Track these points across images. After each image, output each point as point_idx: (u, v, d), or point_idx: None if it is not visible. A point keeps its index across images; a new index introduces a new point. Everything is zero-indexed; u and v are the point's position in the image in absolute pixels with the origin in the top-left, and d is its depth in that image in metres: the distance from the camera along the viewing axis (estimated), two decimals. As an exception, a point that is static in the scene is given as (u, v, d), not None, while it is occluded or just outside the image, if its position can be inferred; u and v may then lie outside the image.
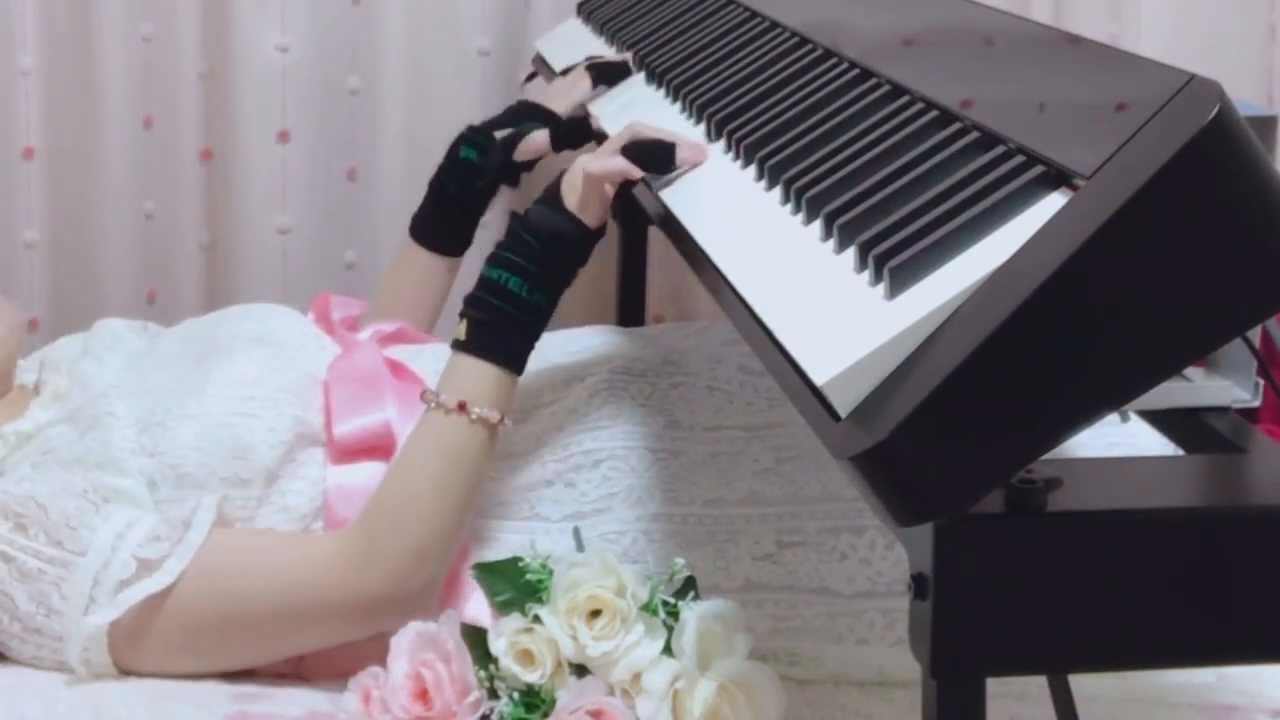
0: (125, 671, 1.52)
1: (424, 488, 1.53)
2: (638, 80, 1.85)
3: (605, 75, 1.89)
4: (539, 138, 1.87)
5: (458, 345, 1.56)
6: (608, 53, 2.01)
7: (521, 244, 1.55)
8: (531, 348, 1.57)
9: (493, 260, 1.56)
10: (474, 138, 1.91)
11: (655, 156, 1.51)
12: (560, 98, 1.93)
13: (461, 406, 1.54)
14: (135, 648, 1.51)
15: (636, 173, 1.51)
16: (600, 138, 1.79)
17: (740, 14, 1.79)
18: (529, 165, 1.93)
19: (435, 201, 1.94)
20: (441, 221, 1.95)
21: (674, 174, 1.50)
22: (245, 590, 1.52)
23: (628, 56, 1.87)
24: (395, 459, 1.57)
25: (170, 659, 1.53)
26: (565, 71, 1.97)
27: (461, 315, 1.57)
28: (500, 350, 1.55)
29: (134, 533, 1.51)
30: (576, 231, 1.55)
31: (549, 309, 1.56)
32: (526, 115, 1.92)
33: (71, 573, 1.50)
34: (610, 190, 1.54)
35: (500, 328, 1.55)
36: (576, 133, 1.88)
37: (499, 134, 1.90)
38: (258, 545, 1.56)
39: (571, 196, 1.55)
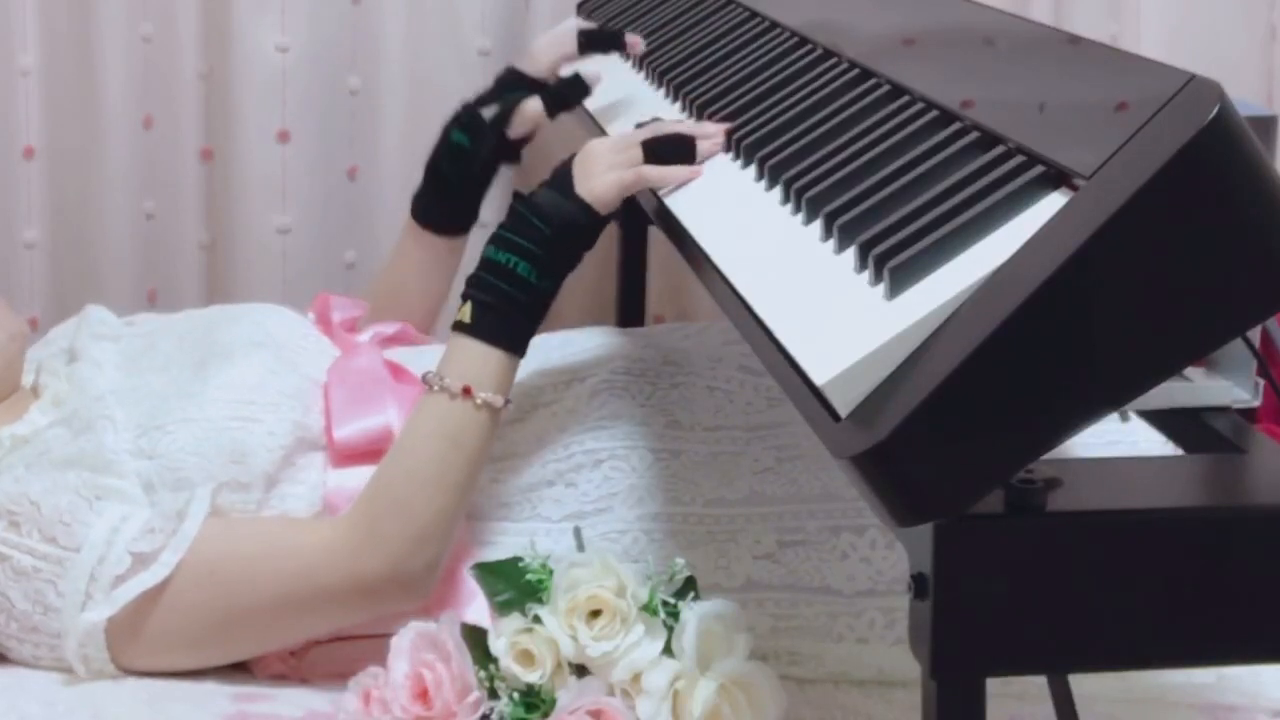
0: (124, 668, 1.52)
1: (426, 470, 1.53)
2: (636, 78, 1.85)
3: (595, 43, 1.85)
4: (532, 107, 1.83)
5: (461, 327, 1.54)
6: (608, 53, 2.00)
7: (531, 229, 1.53)
8: (534, 332, 1.56)
9: (499, 243, 1.54)
10: (465, 119, 1.87)
11: (676, 151, 1.51)
12: (544, 60, 1.89)
13: (466, 391, 1.53)
14: (134, 643, 1.51)
15: (669, 183, 1.49)
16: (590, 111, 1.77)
17: (740, 14, 1.79)
18: (527, 139, 1.89)
19: (432, 184, 1.92)
20: (441, 203, 1.92)
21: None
22: (243, 578, 1.51)
23: (639, 42, 1.83)
24: (396, 441, 1.56)
25: (170, 653, 1.52)
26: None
27: (464, 296, 1.55)
28: (506, 335, 1.54)
29: (128, 527, 1.51)
30: (588, 219, 1.53)
31: (554, 294, 1.56)
32: (513, 86, 1.88)
33: (67, 569, 1.50)
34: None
35: (507, 312, 1.53)
36: (569, 93, 1.84)
37: (488, 112, 1.86)
38: (254, 533, 1.55)
39: (586, 184, 1.53)
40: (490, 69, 2.35)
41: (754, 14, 1.76)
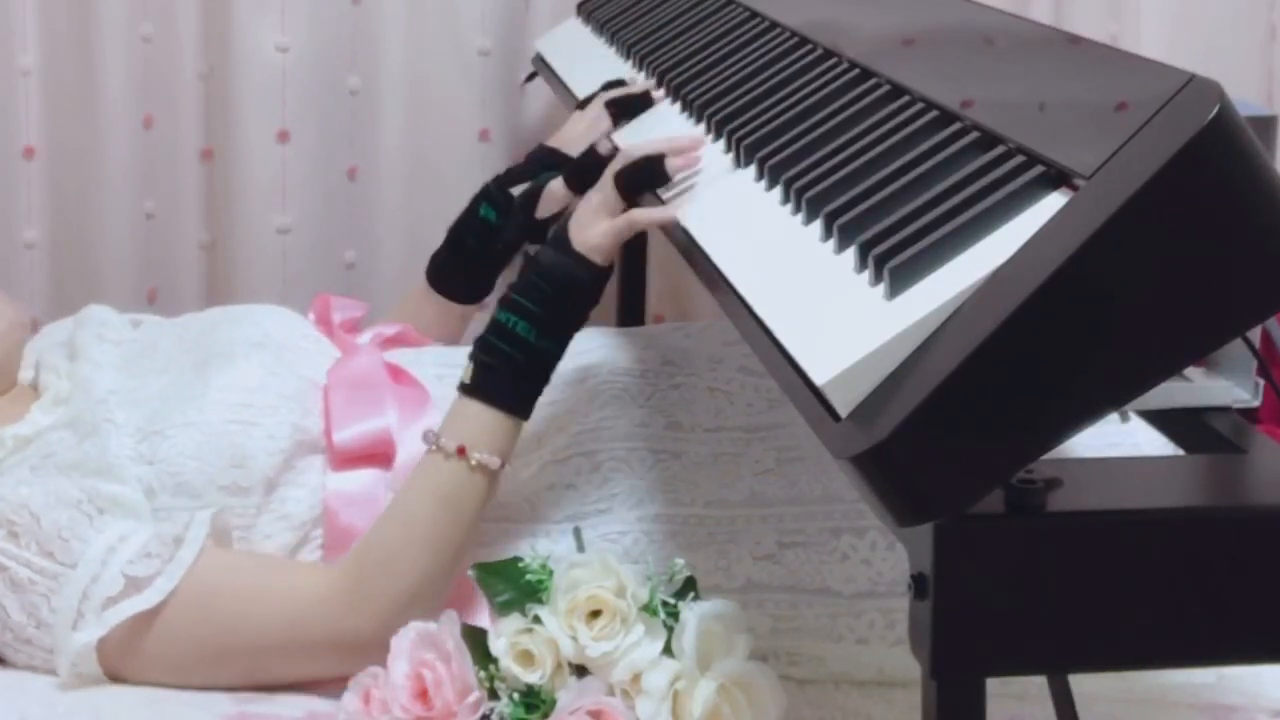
0: (118, 681, 1.51)
1: (418, 532, 1.51)
2: (637, 80, 1.85)
3: (626, 110, 1.80)
4: (556, 189, 1.79)
5: (463, 388, 1.54)
6: (609, 53, 2.00)
7: (533, 288, 1.52)
8: (539, 393, 1.55)
9: (503, 303, 1.53)
10: (495, 195, 1.86)
11: (648, 176, 1.50)
12: (581, 139, 1.84)
13: (461, 451, 1.52)
14: (125, 662, 1.50)
15: (674, 218, 1.46)
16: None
17: (740, 14, 1.79)
18: (555, 219, 1.85)
19: (453, 253, 1.90)
20: (458, 272, 1.91)
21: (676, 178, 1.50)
22: (232, 616, 1.51)
23: (649, 85, 1.81)
24: (393, 498, 1.55)
25: (161, 674, 1.51)
26: (583, 104, 1.90)
27: (470, 357, 1.55)
28: (505, 396, 1.53)
29: (126, 547, 1.50)
30: (588, 275, 1.53)
31: (558, 354, 1.54)
32: (545, 164, 1.85)
33: (61, 585, 1.49)
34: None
35: (507, 373, 1.52)
36: (590, 171, 1.76)
37: (518, 189, 1.84)
38: (249, 571, 1.54)
39: (580, 236, 1.52)
40: (490, 69, 2.35)
41: (754, 14, 1.76)
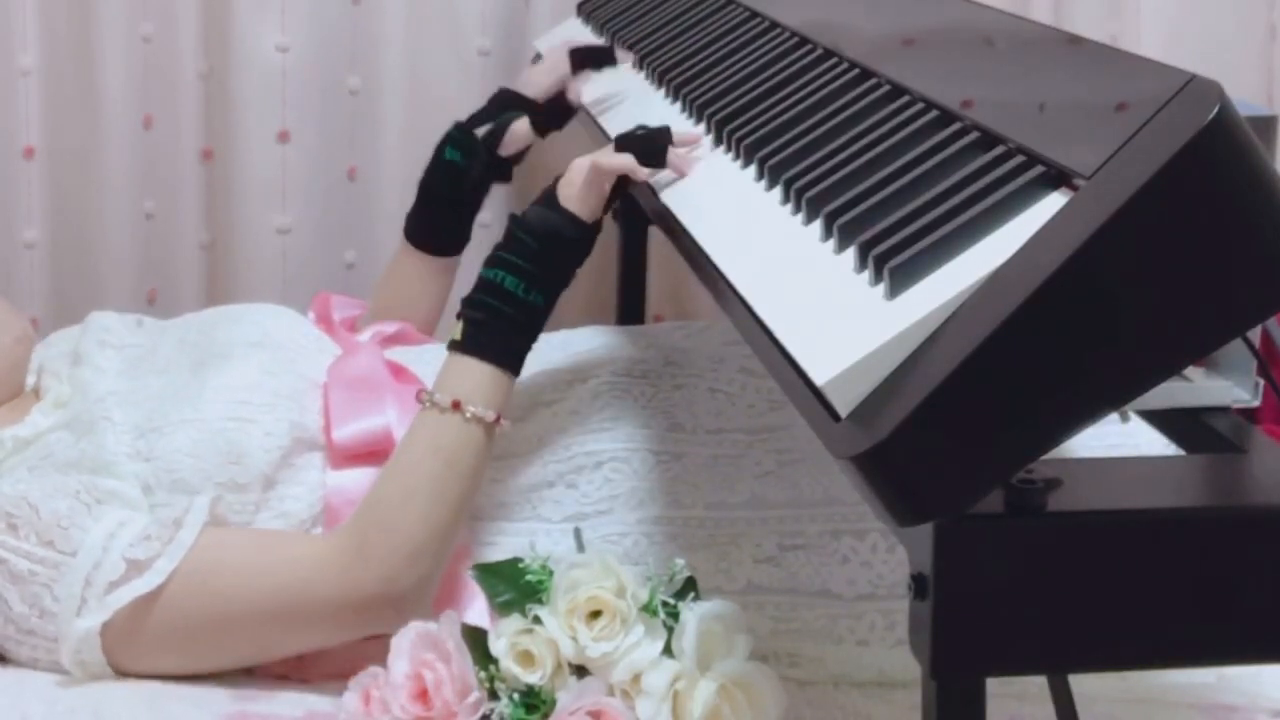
0: (121, 672, 1.52)
1: (418, 487, 1.52)
2: (637, 78, 1.85)
3: (588, 59, 1.88)
4: (520, 128, 1.88)
5: (453, 345, 1.55)
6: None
7: (518, 243, 1.55)
8: (528, 348, 1.57)
9: (490, 261, 1.56)
10: (458, 137, 1.91)
11: (646, 149, 1.52)
12: (539, 82, 1.93)
13: (456, 405, 1.53)
14: (129, 648, 1.51)
15: (641, 173, 1.51)
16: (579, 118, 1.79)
17: (740, 14, 1.79)
18: (519, 158, 1.94)
19: (425, 203, 1.94)
20: (433, 222, 1.94)
21: (671, 175, 1.51)
22: (236, 589, 1.51)
23: (629, 56, 1.86)
24: (391, 458, 1.56)
25: (164, 659, 1.52)
26: (538, 57, 1.97)
27: (459, 316, 1.56)
28: (495, 349, 1.54)
29: (125, 533, 1.50)
30: (573, 229, 1.55)
31: (546, 309, 1.56)
32: (508, 105, 1.92)
33: (63, 574, 1.50)
34: (608, 186, 1.54)
35: (496, 327, 1.54)
36: (557, 113, 1.90)
37: (481, 131, 1.91)
38: (249, 543, 1.55)
39: (567, 191, 1.55)
40: (490, 69, 2.35)
41: (754, 14, 1.76)
